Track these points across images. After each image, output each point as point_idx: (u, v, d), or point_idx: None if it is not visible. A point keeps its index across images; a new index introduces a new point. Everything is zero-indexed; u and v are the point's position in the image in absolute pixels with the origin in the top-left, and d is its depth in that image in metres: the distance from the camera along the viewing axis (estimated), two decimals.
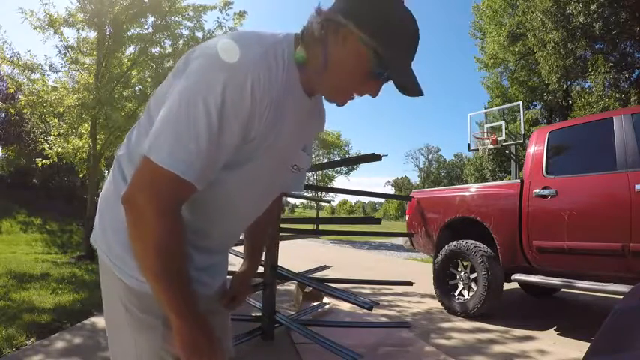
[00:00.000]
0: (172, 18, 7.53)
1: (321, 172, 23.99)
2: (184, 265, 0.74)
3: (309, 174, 23.84)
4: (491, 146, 12.61)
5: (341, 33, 0.73)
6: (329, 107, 0.94)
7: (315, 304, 3.82)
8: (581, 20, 12.09)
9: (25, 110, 7.44)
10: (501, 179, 20.96)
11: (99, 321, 3.18)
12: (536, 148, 3.56)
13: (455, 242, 3.92)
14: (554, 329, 3.38)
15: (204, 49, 0.73)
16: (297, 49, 0.77)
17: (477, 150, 13.13)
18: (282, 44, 0.77)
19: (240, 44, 0.70)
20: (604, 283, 2.94)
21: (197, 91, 0.67)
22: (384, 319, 3.69)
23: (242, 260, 1.17)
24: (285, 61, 0.75)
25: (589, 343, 0.82)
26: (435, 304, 4.18)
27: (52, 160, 7.66)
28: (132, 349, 0.82)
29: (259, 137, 0.74)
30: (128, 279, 0.79)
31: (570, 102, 15.55)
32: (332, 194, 41.21)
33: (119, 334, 0.85)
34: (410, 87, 0.76)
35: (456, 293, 3.92)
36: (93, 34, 7.53)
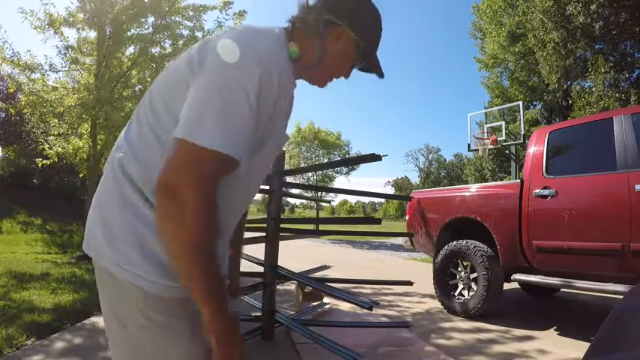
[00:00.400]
0: (172, 18, 7.53)
1: (321, 172, 23.98)
2: (216, 249, 0.73)
3: (309, 174, 23.83)
4: (491, 146, 12.61)
5: (336, 32, 0.85)
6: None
7: (315, 304, 3.82)
8: (581, 20, 12.09)
9: (25, 110, 7.45)
10: (501, 179, 20.96)
11: (99, 321, 3.18)
12: (536, 148, 3.56)
13: (455, 242, 3.92)
14: (554, 329, 3.38)
15: (229, 43, 0.75)
16: (290, 46, 0.84)
17: (477, 150, 13.12)
18: (282, 39, 0.84)
19: (261, 40, 0.78)
20: (604, 283, 2.94)
21: (236, 80, 0.72)
22: (384, 319, 3.69)
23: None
24: (284, 57, 0.82)
25: (589, 343, 0.82)
26: (435, 304, 4.18)
27: (52, 160, 7.65)
28: (154, 355, 0.78)
29: (275, 123, 0.83)
30: (148, 285, 0.76)
31: (570, 102, 15.53)
32: (332, 194, 41.23)
33: (141, 351, 0.79)
34: (377, 71, 0.94)
35: (456, 293, 3.92)
36: (93, 34, 7.53)
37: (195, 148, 0.68)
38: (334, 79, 0.95)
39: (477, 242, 3.75)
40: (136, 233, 0.76)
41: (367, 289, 5.05)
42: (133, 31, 7.38)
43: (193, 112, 0.71)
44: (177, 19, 7.59)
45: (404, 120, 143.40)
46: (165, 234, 0.70)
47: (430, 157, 72.64)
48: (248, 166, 0.78)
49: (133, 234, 0.76)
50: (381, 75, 0.96)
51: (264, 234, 2.91)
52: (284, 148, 1.16)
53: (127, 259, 0.76)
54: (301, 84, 0.94)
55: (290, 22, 0.88)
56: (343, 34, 0.86)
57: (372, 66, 0.93)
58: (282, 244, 3.02)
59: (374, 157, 2.64)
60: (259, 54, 0.75)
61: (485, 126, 13.33)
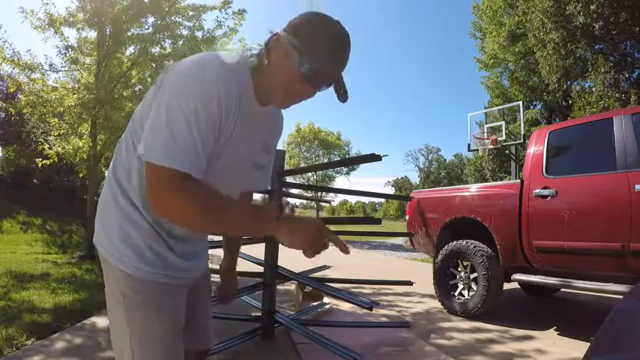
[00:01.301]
0: (172, 18, 7.52)
1: (321, 172, 23.99)
2: (225, 199, 0.88)
3: (309, 174, 23.85)
4: (491, 146, 12.62)
5: (279, 39, 0.90)
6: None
7: (315, 304, 3.82)
8: (581, 20, 12.10)
9: (25, 110, 7.44)
10: (501, 179, 20.95)
11: (99, 321, 3.19)
12: (536, 148, 3.56)
13: (455, 242, 3.92)
14: (554, 329, 3.38)
15: (181, 69, 0.86)
16: (252, 58, 0.95)
17: (477, 150, 13.13)
18: (242, 62, 0.93)
19: (208, 66, 0.86)
20: (604, 283, 2.94)
21: (176, 106, 0.81)
22: (384, 319, 3.69)
23: (223, 255, 1.36)
24: (241, 75, 0.92)
25: (589, 343, 0.82)
26: (435, 304, 4.18)
27: (52, 160, 7.65)
28: (125, 327, 0.95)
29: (225, 137, 0.90)
30: (129, 268, 0.94)
31: (570, 102, 15.54)
32: (332, 194, 41.23)
33: (117, 318, 0.97)
34: (339, 91, 0.94)
35: (456, 293, 3.92)
36: (93, 34, 7.52)
37: (153, 167, 0.81)
38: (299, 100, 0.97)
39: (477, 242, 3.75)
40: (122, 228, 0.95)
41: (367, 289, 5.05)
42: (133, 31, 7.37)
43: (147, 132, 0.84)
44: (177, 19, 7.58)
45: (404, 120, 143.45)
46: (191, 229, 0.95)
47: (430, 157, 72.66)
48: (205, 177, 0.87)
49: (120, 228, 0.95)
50: (340, 98, 0.95)
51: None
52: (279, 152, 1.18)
53: (115, 248, 0.95)
54: None
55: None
56: (283, 40, 0.90)
57: (335, 89, 0.93)
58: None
59: (374, 157, 2.64)
60: (204, 76, 0.84)
61: (485, 126, 13.34)
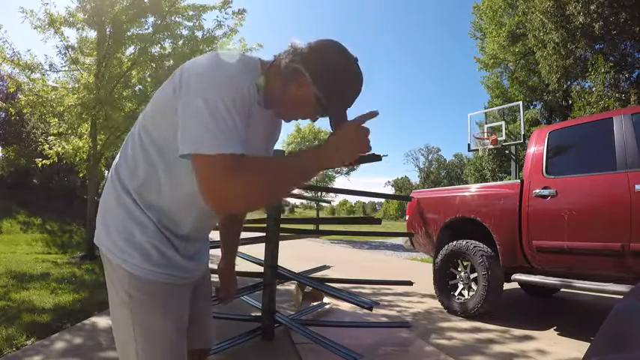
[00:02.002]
0: (172, 18, 7.51)
1: (321, 172, 23.95)
2: (275, 160, 0.98)
3: None
4: (491, 146, 12.62)
5: (300, 80, 0.92)
6: None
7: (315, 304, 3.82)
8: (581, 20, 12.10)
9: (25, 110, 7.43)
10: (501, 179, 20.94)
11: (99, 321, 3.19)
12: (536, 148, 3.56)
13: (455, 242, 3.92)
14: (554, 329, 3.38)
15: (203, 69, 0.87)
16: (259, 77, 0.94)
17: (477, 150, 13.13)
18: (253, 66, 0.95)
19: (231, 63, 0.89)
20: (604, 283, 2.94)
21: (215, 96, 0.83)
22: (384, 319, 3.69)
23: (221, 255, 1.37)
24: (254, 73, 0.94)
25: (589, 343, 0.82)
26: (435, 304, 4.18)
27: (52, 160, 7.64)
28: (130, 327, 0.95)
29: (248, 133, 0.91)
30: (132, 267, 0.94)
31: (570, 102, 15.55)
32: (332, 194, 41.19)
33: (120, 318, 0.97)
34: (333, 127, 0.95)
35: (456, 293, 3.92)
36: (93, 34, 7.52)
37: (205, 158, 0.81)
38: (301, 118, 1.03)
39: (477, 242, 3.74)
40: (126, 227, 0.95)
41: (367, 289, 5.05)
42: (133, 31, 7.36)
43: (189, 130, 0.84)
44: (177, 19, 7.58)
45: (404, 120, 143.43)
46: (263, 204, 1.01)
47: (430, 157, 72.65)
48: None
49: (124, 228, 0.95)
50: (333, 129, 0.97)
51: (264, 234, 2.92)
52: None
53: (118, 247, 0.95)
54: None
55: (274, 57, 0.98)
56: (305, 85, 0.92)
57: (331, 122, 0.96)
58: (282, 244, 3.02)
59: (374, 157, 2.64)
60: (229, 73, 0.87)
61: (486, 126, 13.33)
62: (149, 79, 7.74)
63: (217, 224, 1.31)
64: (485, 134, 12.85)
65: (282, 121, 1.16)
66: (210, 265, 1.22)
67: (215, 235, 1.42)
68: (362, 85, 0.97)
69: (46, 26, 7.08)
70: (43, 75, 7.43)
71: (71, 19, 7.17)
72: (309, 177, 0.93)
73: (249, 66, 0.93)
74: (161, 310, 0.96)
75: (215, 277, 1.33)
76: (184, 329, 1.01)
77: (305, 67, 0.92)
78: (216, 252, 1.46)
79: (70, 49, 7.43)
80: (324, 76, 0.92)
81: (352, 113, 0.96)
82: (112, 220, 0.97)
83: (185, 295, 1.04)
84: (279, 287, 3.38)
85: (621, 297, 1.14)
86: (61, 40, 7.32)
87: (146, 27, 7.54)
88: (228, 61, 0.90)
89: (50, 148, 7.59)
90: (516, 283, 3.95)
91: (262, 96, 0.96)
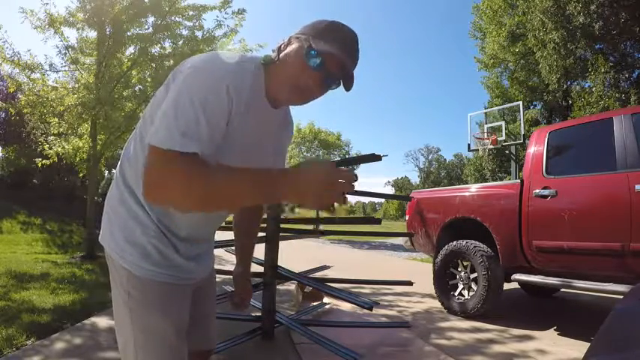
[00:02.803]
0: (172, 18, 7.51)
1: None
2: (222, 169, 0.84)
3: None
4: (491, 146, 12.61)
5: (290, 40, 0.93)
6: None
7: (315, 304, 3.82)
8: (581, 20, 12.10)
9: (25, 110, 7.43)
10: (501, 179, 20.95)
11: (99, 321, 3.19)
12: (536, 148, 3.56)
13: (455, 242, 3.92)
14: (554, 329, 3.38)
15: (192, 63, 0.87)
16: (265, 55, 0.95)
17: (477, 150, 13.12)
18: (253, 61, 0.93)
19: (218, 59, 0.88)
20: (604, 283, 2.94)
21: (186, 93, 0.82)
22: (384, 319, 3.69)
23: (236, 261, 1.31)
24: (253, 74, 0.91)
25: (589, 343, 0.82)
26: (435, 304, 4.18)
27: (52, 160, 7.64)
28: (129, 326, 0.95)
29: (234, 129, 0.89)
30: (131, 266, 0.94)
31: (570, 102, 15.56)
32: None
33: (121, 317, 0.98)
34: (346, 82, 0.93)
35: (456, 293, 3.92)
36: (93, 34, 7.52)
37: (155, 150, 0.80)
38: (309, 96, 0.95)
39: (477, 242, 3.75)
40: (127, 226, 0.95)
41: (367, 289, 5.05)
42: (133, 31, 7.36)
43: (156, 121, 0.83)
44: (177, 19, 7.58)
45: (404, 120, 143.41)
46: (195, 208, 0.86)
47: (430, 157, 72.67)
48: None
49: (125, 227, 0.96)
50: (346, 87, 0.94)
51: (264, 234, 2.92)
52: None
53: (119, 246, 0.96)
54: None
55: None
56: (294, 39, 0.92)
57: (332, 72, 0.90)
58: (282, 244, 3.02)
59: (374, 157, 2.64)
60: (211, 70, 0.85)
61: (486, 126, 13.32)
62: (149, 79, 7.73)
63: (233, 232, 1.29)
64: (486, 134, 12.84)
65: (292, 121, 1.14)
66: (216, 267, 1.21)
67: (218, 236, 1.41)
68: (356, 37, 0.95)
69: (46, 26, 7.08)
70: (43, 75, 7.42)
71: (71, 19, 7.17)
72: (265, 198, 0.87)
73: (243, 66, 0.90)
74: (160, 309, 0.95)
75: (219, 278, 1.33)
76: (184, 329, 1.00)
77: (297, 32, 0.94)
78: (220, 253, 1.45)
79: (70, 49, 7.43)
80: (310, 26, 0.93)
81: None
82: (115, 219, 0.98)
83: (185, 296, 1.03)
84: (279, 287, 3.38)
85: (621, 297, 1.14)
86: (61, 40, 7.32)
87: (146, 27, 7.54)
88: (219, 60, 0.88)
89: (50, 148, 7.58)
90: (516, 283, 3.95)
91: (268, 83, 0.94)
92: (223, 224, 1.23)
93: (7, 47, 7.17)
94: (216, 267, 1.24)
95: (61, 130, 7.59)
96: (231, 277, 1.35)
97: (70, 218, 12.93)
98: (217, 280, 1.34)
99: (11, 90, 7.84)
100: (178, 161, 0.78)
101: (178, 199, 0.81)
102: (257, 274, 2.96)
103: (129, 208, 0.96)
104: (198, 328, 1.11)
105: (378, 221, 3.20)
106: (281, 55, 0.92)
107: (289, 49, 0.92)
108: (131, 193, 0.96)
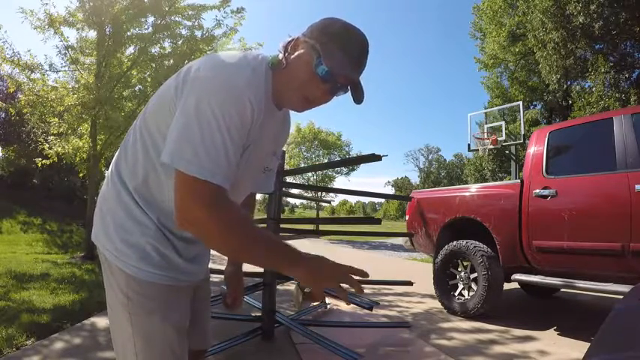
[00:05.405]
0: (172, 18, 7.52)
1: (321, 172, 23.96)
2: (256, 228, 0.84)
3: (310, 174, 23.83)
4: (492, 146, 12.60)
5: (298, 42, 0.91)
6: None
7: (315, 304, 3.81)
8: (581, 20, 12.10)
9: (25, 110, 7.43)
10: (501, 179, 20.95)
11: (99, 321, 3.19)
12: (536, 148, 3.56)
13: (455, 242, 3.91)
14: (554, 329, 3.38)
15: (207, 74, 0.83)
16: (272, 57, 0.93)
17: (477, 150, 13.11)
18: (260, 61, 0.91)
19: (238, 71, 0.84)
20: (604, 283, 2.94)
21: (209, 110, 0.79)
22: (384, 319, 3.69)
23: (227, 261, 1.30)
24: (265, 79, 0.90)
25: (589, 343, 0.82)
26: (435, 304, 4.18)
27: (52, 160, 7.64)
28: (128, 330, 0.93)
29: (248, 144, 0.89)
30: (130, 269, 0.91)
31: (570, 102, 15.57)
32: (332, 194, 41.20)
33: (119, 320, 0.95)
34: (355, 93, 0.92)
35: (456, 293, 3.91)
36: (93, 34, 7.52)
37: (183, 176, 0.78)
38: (316, 105, 0.95)
39: (477, 242, 3.74)
40: (125, 227, 0.92)
41: (367, 289, 5.05)
42: (132, 30, 7.36)
43: (175, 138, 0.80)
44: (177, 18, 7.58)
45: (404, 120, 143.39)
46: (214, 248, 0.87)
47: (430, 157, 72.71)
48: None
49: (123, 228, 0.92)
50: (356, 100, 0.94)
51: None
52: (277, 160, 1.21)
53: (115, 247, 0.92)
54: None
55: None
56: (301, 43, 0.90)
57: (340, 82, 0.90)
58: None
59: (374, 158, 2.64)
60: (236, 83, 0.82)
61: (486, 126, 13.32)
62: (149, 79, 7.73)
63: None
64: (486, 134, 12.84)
65: (290, 119, 1.14)
66: (210, 265, 1.21)
67: None
68: (366, 45, 0.92)
69: (46, 26, 7.07)
70: (43, 75, 7.42)
71: (71, 19, 7.17)
72: (273, 265, 0.91)
73: (257, 72, 0.88)
74: (161, 312, 0.93)
75: (214, 278, 1.32)
76: (185, 332, 0.99)
77: (302, 34, 0.92)
78: (217, 252, 1.45)
79: (70, 49, 7.43)
80: (317, 31, 0.90)
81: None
82: (112, 219, 0.95)
83: (186, 298, 1.02)
84: (279, 287, 3.38)
85: (621, 297, 1.13)
86: (61, 40, 7.32)
87: (146, 27, 7.54)
88: (239, 68, 0.85)
89: (50, 148, 7.58)
90: (516, 283, 3.95)
91: (274, 86, 0.93)
92: None
93: (7, 47, 7.18)
94: (211, 266, 1.24)
95: (61, 130, 7.59)
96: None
97: (70, 218, 12.93)
98: (214, 279, 1.33)
99: (11, 90, 7.84)
100: (211, 196, 0.78)
101: (207, 236, 0.82)
102: (257, 274, 2.96)
103: (126, 208, 0.93)
104: (194, 327, 1.10)
105: (378, 221, 3.20)
106: (289, 58, 0.90)
107: (297, 54, 0.90)
108: (127, 192, 0.94)
